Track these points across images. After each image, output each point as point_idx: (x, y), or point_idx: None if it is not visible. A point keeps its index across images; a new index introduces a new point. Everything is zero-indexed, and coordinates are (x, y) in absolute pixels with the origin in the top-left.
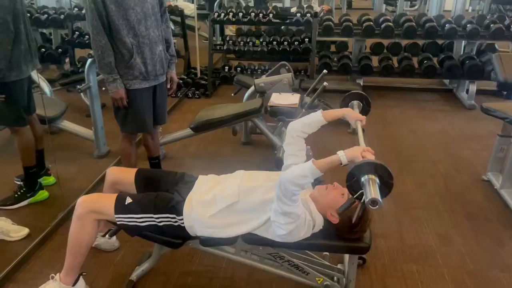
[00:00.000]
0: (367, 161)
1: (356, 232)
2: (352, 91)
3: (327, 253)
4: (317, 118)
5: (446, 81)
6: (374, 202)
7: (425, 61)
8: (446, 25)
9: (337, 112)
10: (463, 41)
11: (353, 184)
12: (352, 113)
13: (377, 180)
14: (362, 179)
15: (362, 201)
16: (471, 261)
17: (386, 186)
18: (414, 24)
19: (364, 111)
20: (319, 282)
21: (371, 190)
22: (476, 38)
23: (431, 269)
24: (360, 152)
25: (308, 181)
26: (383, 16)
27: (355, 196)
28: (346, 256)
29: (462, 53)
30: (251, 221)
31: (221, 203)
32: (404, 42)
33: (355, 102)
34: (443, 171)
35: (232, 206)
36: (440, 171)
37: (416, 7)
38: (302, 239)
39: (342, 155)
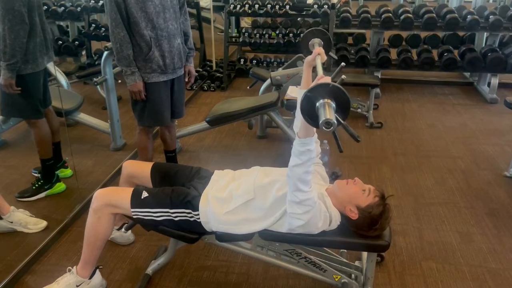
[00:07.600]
0: (320, 83)
1: (375, 230)
2: (308, 30)
3: (344, 250)
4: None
5: (467, 74)
6: (328, 123)
7: (445, 54)
8: (468, 17)
9: (306, 75)
10: (485, 33)
11: (310, 114)
12: (309, 57)
13: (333, 104)
14: (317, 104)
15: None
16: (493, 260)
17: (342, 108)
18: (434, 15)
19: (326, 45)
20: (336, 279)
21: (326, 111)
22: (499, 30)
23: (451, 267)
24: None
25: (308, 154)
26: (402, 7)
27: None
28: (364, 254)
29: (484, 45)
30: (266, 219)
31: (237, 200)
32: (423, 34)
33: (316, 40)
34: (463, 166)
35: (247, 203)
36: (460, 167)
37: None
38: (320, 235)
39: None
